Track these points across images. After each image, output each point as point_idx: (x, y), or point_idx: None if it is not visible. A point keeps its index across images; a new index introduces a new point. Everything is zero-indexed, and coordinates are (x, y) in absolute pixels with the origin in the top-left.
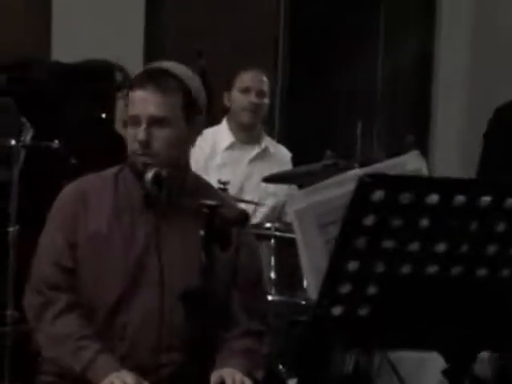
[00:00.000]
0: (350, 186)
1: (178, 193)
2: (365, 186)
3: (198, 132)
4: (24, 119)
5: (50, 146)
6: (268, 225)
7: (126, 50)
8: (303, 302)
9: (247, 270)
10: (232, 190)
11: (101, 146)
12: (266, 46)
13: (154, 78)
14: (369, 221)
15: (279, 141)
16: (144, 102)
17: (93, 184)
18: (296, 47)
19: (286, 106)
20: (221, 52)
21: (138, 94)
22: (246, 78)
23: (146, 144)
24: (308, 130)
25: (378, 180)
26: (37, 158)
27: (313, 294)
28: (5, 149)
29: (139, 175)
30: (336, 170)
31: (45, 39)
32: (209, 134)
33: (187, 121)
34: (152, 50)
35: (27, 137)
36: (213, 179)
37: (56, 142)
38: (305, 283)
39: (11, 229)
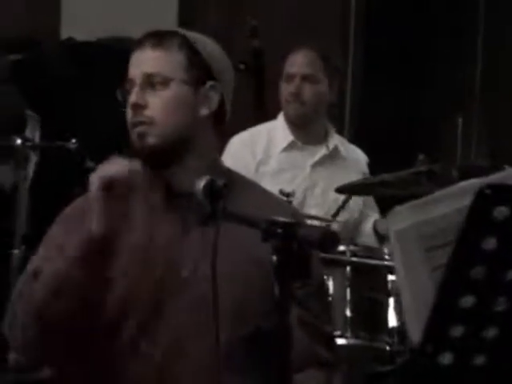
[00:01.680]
0: (466, 201)
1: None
2: (485, 201)
3: (209, 103)
4: (31, 112)
5: (65, 147)
6: (341, 248)
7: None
8: (387, 348)
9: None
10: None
11: (126, 143)
12: (333, 22)
13: (154, 36)
14: (489, 244)
15: (351, 140)
16: (138, 61)
17: None
18: (372, 25)
19: (358, 97)
20: (277, 29)
21: (134, 56)
22: (290, 63)
23: (137, 107)
24: (387, 127)
25: (502, 193)
26: (48, 162)
27: (415, 336)
28: (7, 150)
29: (137, 152)
30: (430, 178)
31: (53, 13)
32: (262, 131)
33: (192, 85)
34: (189, 24)
35: (35, 134)
36: (268, 188)
37: (73, 141)
38: (391, 322)
39: (16, 251)
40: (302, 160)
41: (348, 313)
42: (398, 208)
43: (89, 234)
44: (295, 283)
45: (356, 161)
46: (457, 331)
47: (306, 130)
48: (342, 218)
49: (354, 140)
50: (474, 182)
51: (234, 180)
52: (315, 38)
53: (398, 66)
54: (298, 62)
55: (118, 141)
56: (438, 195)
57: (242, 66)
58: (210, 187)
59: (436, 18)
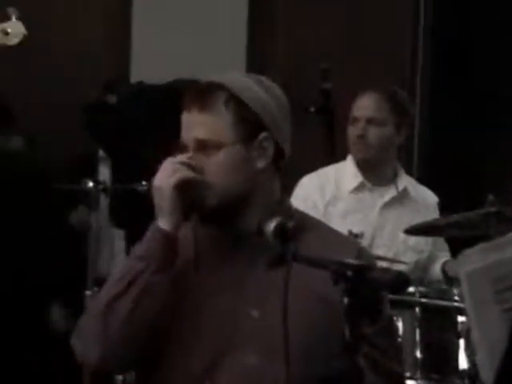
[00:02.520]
0: None
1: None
2: None
3: (265, 155)
4: (103, 154)
5: (136, 189)
6: (411, 289)
7: (225, 67)
8: None
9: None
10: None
11: None
12: (401, 64)
13: (199, 95)
14: None
15: (420, 181)
16: (188, 125)
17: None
18: (439, 66)
19: (426, 138)
20: (349, 73)
21: (184, 117)
22: (355, 106)
23: None
24: (457, 167)
25: None
26: (120, 204)
27: (487, 376)
28: (80, 193)
29: (199, 215)
30: (499, 220)
31: (124, 58)
32: (331, 173)
33: (244, 142)
34: (258, 68)
35: (107, 177)
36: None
37: (143, 183)
38: (462, 363)
39: (88, 292)
40: (372, 201)
41: (418, 354)
42: (469, 250)
43: (157, 229)
44: (365, 325)
45: (425, 202)
46: None
47: (374, 172)
48: (411, 259)
49: (423, 181)
50: None
51: (301, 220)
52: (383, 80)
53: (466, 106)
54: (364, 105)
55: None
56: (508, 238)
57: (312, 108)
58: (280, 228)
59: (505, 60)
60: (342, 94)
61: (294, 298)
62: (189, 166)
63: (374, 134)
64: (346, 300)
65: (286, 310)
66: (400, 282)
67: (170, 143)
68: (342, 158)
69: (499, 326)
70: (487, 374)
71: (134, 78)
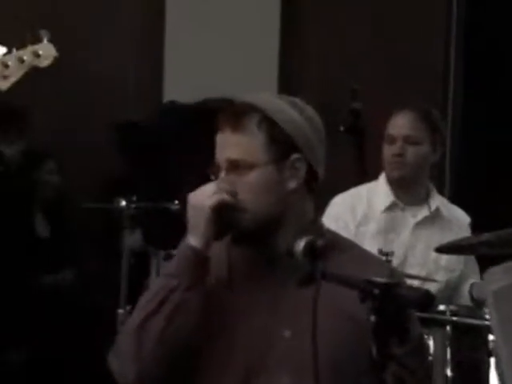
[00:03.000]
0: None
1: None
2: None
3: (297, 175)
4: (136, 174)
5: (168, 208)
6: (441, 307)
7: (256, 87)
8: None
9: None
10: (392, 261)
11: None
12: (433, 83)
13: (232, 117)
14: None
15: (451, 200)
16: (222, 146)
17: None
18: (472, 81)
19: (459, 155)
20: (379, 92)
21: (217, 138)
22: (391, 125)
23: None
24: (490, 186)
25: None
26: (152, 223)
27: None
28: (113, 212)
29: (233, 235)
30: None
31: (156, 76)
32: (362, 192)
33: (276, 163)
34: (289, 87)
35: (140, 197)
36: (368, 249)
37: (175, 202)
38: (493, 382)
39: (121, 311)
40: (404, 221)
41: (448, 373)
42: (495, 269)
43: (188, 247)
44: (393, 344)
45: (457, 221)
46: None
47: (408, 191)
48: (443, 278)
49: (455, 199)
50: None
51: (333, 240)
52: (414, 99)
53: (500, 123)
54: (400, 124)
55: None
56: None
57: (341, 128)
58: (309, 247)
59: None
60: (372, 114)
61: (323, 316)
62: (227, 191)
63: (411, 152)
64: (373, 318)
65: (314, 328)
66: (426, 300)
67: (202, 162)
68: (373, 177)
69: None
70: None
71: (167, 97)
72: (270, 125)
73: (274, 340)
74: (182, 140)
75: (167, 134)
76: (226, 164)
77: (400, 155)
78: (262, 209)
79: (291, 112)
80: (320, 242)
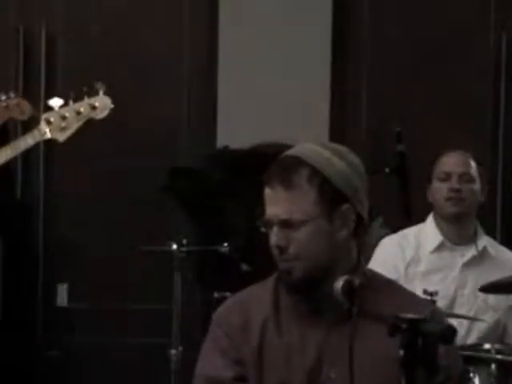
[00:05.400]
0: None
1: (366, 301)
2: None
3: (347, 225)
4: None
5: (218, 251)
6: (487, 346)
7: (307, 131)
8: None
9: None
10: (441, 301)
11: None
12: (482, 120)
13: (281, 173)
14: None
15: (501, 242)
16: (272, 202)
17: (253, 293)
18: None
19: (509, 198)
20: (425, 134)
21: (267, 193)
22: (444, 163)
23: (281, 249)
24: None
25: None
26: (204, 265)
27: None
28: (165, 254)
29: (286, 285)
30: None
31: (210, 120)
32: (411, 234)
33: (328, 215)
34: (339, 132)
35: (190, 239)
36: (418, 289)
37: (225, 244)
38: None
39: (173, 351)
40: (452, 260)
41: None
42: None
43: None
44: (422, 378)
45: (506, 261)
46: None
47: (458, 230)
48: (492, 318)
49: (507, 241)
50: None
51: (373, 280)
52: (459, 141)
53: None
54: (455, 162)
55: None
56: None
57: (387, 170)
58: (348, 286)
59: None
60: (417, 156)
61: (360, 357)
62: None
63: (466, 188)
64: (401, 352)
65: (351, 370)
66: (448, 333)
67: (251, 208)
68: (417, 217)
69: None
70: None
71: (220, 143)
72: (320, 179)
73: (322, 381)
74: (234, 185)
75: (218, 180)
76: (278, 221)
77: (458, 191)
78: (313, 259)
79: (339, 163)
80: (357, 281)
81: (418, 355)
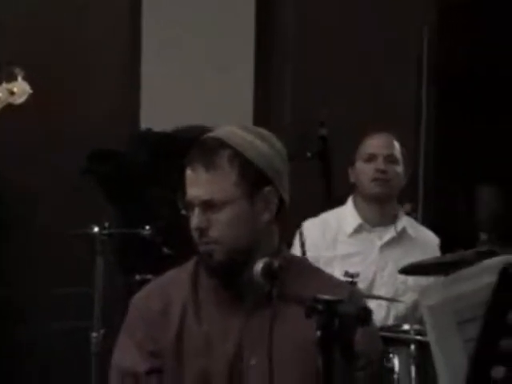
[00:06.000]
0: (493, 277)
1: (286, 284)
2: (508, 278)
3: (269, 208)
4: (107, 199)
5: (140, 233)
6: (406, 327)
7: (231, 114)
8: None
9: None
10: (361, 283)
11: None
12: (405, 109)
13: (203, 154)
14: None
15: (425, 223)
16: (193, 184)
17: (173, 277)
18: (445, 108)
19: (431, 179)
20: (347, 121)
21: (188, 174)
22: (370, 144)
23: (202, 232)
24: (462, 209)
25: None
26: (126, 248)
27: None
28: (86, 238)
29: (206, 268)
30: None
31: (133, 104)
32: (331, 217)
33: (249, 198)
34: (263, 116)
35: (112, 222)
36: (338, 272)
37: (147, 227)
38: None
39: (94, 334)
40: (371, 242)
41: None
42: (429, 285)
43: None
44: (338, 357)
45: (425, 242)
46: None
47: (379, 211)
48: (411, 299)
49: (428, 222)
50: (499, 260)
51: (293, 264)
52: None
53: (469, 154)
54: (381, 143)
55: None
56: (466, 272)
57: (309, 154)
58: (267, 268)
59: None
60: (339, 140)
61: (281, 342)
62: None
63: (392, 170)
64: (318, 333)
65: (271, 357)
66: (363, 314)
67: (174, 189)
68: (338, 202)
69: (461, 356)
70: None
71: (144, 125)
72: (242, 160)
73: (242, 368)
74: (155, 168)
75: (141, 162)
76: (199, 202)
77: (384, 172)
78: (234, 242)
79: (261, 146)
80: (277, 263)
81: (335, 336)
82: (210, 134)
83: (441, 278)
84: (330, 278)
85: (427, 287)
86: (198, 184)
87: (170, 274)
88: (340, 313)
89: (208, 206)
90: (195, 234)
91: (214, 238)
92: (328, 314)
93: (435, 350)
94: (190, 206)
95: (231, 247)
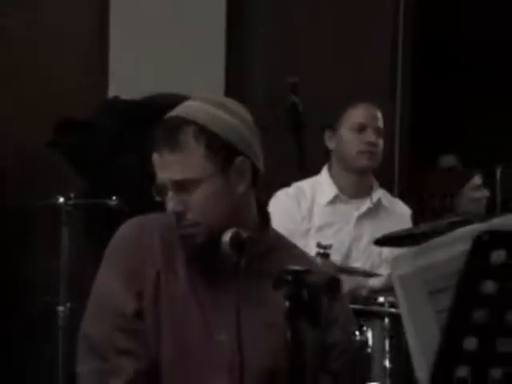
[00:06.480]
0: (466, 246)
1: (255, 256)
2: (482, 246)
3: (243, 178)
4: (74, 170)
5: (106, 204)
6: (381, 299)
7: (203, 82)
8: None
9: (341, 352)
10: (336, 255)
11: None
12: (378, 77)
13: (166, 135)
14: (488, 288)
15: (399, 195)
16: (162, 167)
17: (158, 221)
18: (421, 77)
19: (407, 152)
20: (320, 87)
21: (155, 159)
22: (359, 114)
23: (179, 215)
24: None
25: (499, 237)
26: (91, 219)
27: (421, 376)
28: (51, 208)
29: (188, 251)
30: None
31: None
32: (306, 187)
33: (223, 171)
34: (235, 84)
35: (78, 193)
36: (312, 243)
37: (114, 198)
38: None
39: (61, 308)
40: (347, 213)
41: (387, 364)
42: (400, 254)
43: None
44: (306, 328)
45: (399, 214)
46: (462, 372)
47: (357, 183)
48: (385, 270)
49: (404, 195)
50: (473, 228)
51: (275, 240)
52: (356, 93)
53: (446, 126)
54: (371, 114)
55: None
56: (438, 241)
57: (281, 123)
58: (235, 238)
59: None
60: (312, 108)
61: (250, 316)
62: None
63: (379, 143)
64: (286, 304)
65: (239, 333)
66: (330, 285)
67: (143, 159)
68: (312, 171)
69: (432, 327)
70: (422, 375)
71: (111, 94)
72: (208, 135)
73: (213, 343)
74: (124, 137)
75: (108, 131)
76: (172, 185)
77: (375, 145)
78: (214, 220)
79: (227, 118)
80: (246, 234)
81: (303, 307)
82: (172, 113)
83: (413, 248)
84: (302, 253)
85: (398, 257)
86: (167, 167)
87: (154, 216)
88: (308, 283)
89: (181, 187)
90: (172, 218)
91: (194, 220)
92: (296, 284)
93: (407, 321)
94: (162, 191)
95: (212, 225)
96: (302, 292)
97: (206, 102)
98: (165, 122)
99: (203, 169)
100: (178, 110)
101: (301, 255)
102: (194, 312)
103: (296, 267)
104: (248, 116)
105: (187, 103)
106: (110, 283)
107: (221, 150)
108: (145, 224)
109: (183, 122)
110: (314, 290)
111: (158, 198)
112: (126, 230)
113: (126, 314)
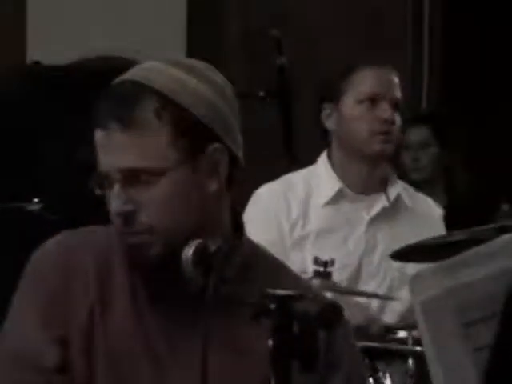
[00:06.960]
0: (510, 261)
1: (226, 277)
2: None
3: (217, 172)
4: None
5: (25, 208)
6: (402, 334)
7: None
8: None
9: None
10: (341, 273)
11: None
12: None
13: (117, 106)
14: None
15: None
16: (107, 150)
17: (92, 239)
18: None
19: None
20: (314, 41)
21: (99, 137)
22: (368, 81)
23: (127, 218)
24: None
25: None
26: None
27: None
28: None
29: (136, 267)
30: None
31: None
32: (298, 181)
33: (190, 161)
34: (200, 38)
35: None
36: (308, 256)
37: (35, 200)
38: None
39: None
40: (355, 215)
41: None
42: (422, 272)
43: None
44: (298, 371)
45: (425, 215)
46: None
47: (369, 174)
48: (407, 295)
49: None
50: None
51: (251, 255)
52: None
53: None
54: (385, 80)
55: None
56: (473, 253)
57: (261, 94)
58: (201, 253)
59: None
60: (303, 71)
61: (215, 349)
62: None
63: (398, 121)
64: (270, 342)
65: (205, 366)
66: (328, 314)
67: (74, 144)
68: (305, 160)
69: (469, 369)
70: None
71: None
72: (174, 110)
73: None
74: (48, 114)
75: (26, 107)
76: (120, 175)
77: (392, 123)
78: (175, 227)
79: (199, 86)
80: (214, 246)
81: (293, 345)
82: (125, 77)
83: (438, 264)
84: (289, 275)
85: (419, 275)
86: (115, 150)
87: (82, 233)
88: (298, 312)
89: (132, 179)
90: (117, 221)
91: (147, 225)
92: (282, 315)
93: (433, 362)
94: (106, 182)
95: (171, 235)
96: (291, 325)
97: (173, 64)
98: (115, 89)
99: (165, 156)
100: (133, 73)
101: (287, 274)
102: (142, 365)
103: (281, 291)
104: (228, 87)
105: (145, 65)
106: (23, 323)
107: (191, 131)
108: (74, 243)
109: (141, 89)
110: (306, 321)
111: (97, 192)
112: (49, 250)
113: (43, 367)
